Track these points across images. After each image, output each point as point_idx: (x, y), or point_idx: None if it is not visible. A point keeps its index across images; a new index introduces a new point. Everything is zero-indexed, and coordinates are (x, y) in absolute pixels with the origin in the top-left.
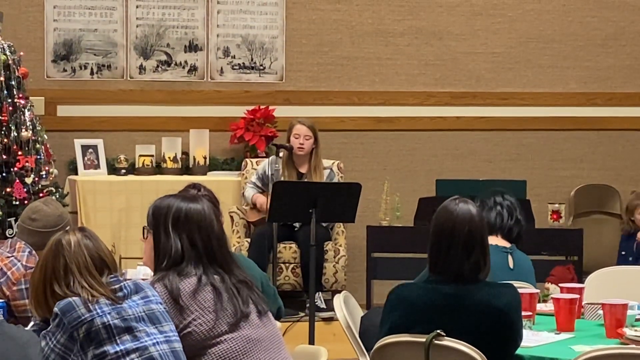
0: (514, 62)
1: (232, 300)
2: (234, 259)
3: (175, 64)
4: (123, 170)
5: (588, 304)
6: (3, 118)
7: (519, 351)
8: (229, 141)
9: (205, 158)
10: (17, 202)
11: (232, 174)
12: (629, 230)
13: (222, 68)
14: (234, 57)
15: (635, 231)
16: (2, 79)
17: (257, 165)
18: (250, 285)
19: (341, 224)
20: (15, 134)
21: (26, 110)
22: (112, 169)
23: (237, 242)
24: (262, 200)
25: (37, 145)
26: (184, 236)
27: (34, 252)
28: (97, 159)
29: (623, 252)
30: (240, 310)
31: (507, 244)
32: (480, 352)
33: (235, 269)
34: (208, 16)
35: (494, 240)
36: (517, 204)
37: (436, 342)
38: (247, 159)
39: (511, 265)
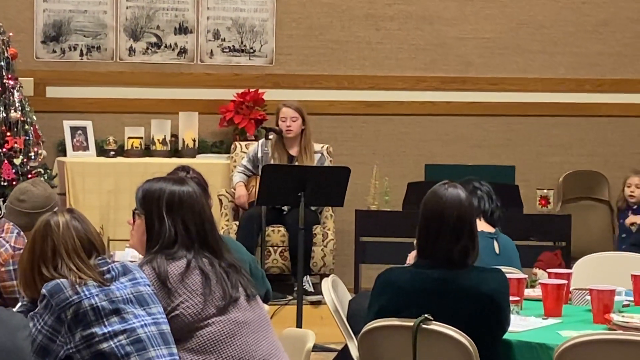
0: (504, 48)
1: (221, 283)
2: (224, 243)
3: (165, 46)
4: (112, 152)
5: (576, 289)
6: None
7: (506, 336)
8: (218, 124)
9: (194, 141)
10: (6, 183)
11: (221, 157)
12: (620, 207)
13: (212, 51)
14: (224, 39)
15: (626, 206)
16: None
17: (247, 148)
18: (239, 269)
19: (330, 207)
20: (4, 115)
21: (15, 91)
22: (101, 151)
23: (226, 225)
24: (240, 193)
25: (26, 126)
26: (178, 221)
27: (22, 233)
28: (86, 140)
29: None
30: (229, 294)
31: (491, 229)
32: (467, 337)
33: (226, 253)
34: None
35: (479, 226)
36: (492, 191)
37: (424, 326)
38: (236, 142)
39: (497, 250)
